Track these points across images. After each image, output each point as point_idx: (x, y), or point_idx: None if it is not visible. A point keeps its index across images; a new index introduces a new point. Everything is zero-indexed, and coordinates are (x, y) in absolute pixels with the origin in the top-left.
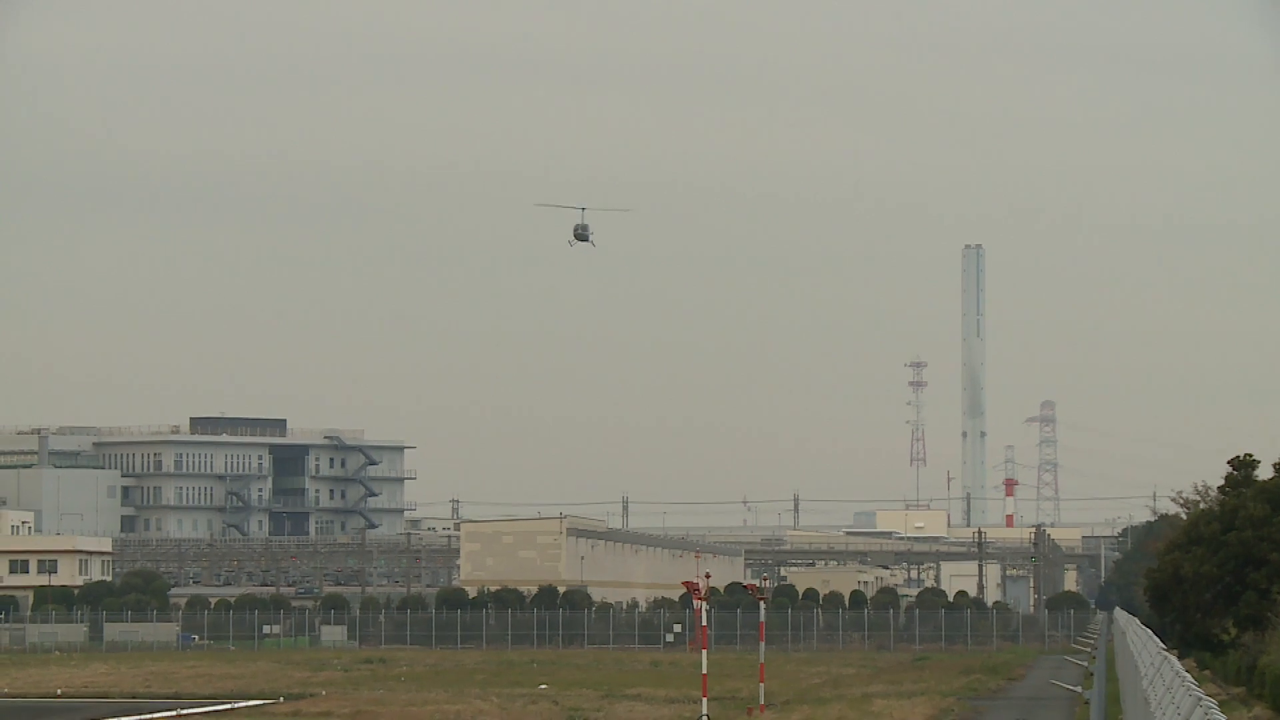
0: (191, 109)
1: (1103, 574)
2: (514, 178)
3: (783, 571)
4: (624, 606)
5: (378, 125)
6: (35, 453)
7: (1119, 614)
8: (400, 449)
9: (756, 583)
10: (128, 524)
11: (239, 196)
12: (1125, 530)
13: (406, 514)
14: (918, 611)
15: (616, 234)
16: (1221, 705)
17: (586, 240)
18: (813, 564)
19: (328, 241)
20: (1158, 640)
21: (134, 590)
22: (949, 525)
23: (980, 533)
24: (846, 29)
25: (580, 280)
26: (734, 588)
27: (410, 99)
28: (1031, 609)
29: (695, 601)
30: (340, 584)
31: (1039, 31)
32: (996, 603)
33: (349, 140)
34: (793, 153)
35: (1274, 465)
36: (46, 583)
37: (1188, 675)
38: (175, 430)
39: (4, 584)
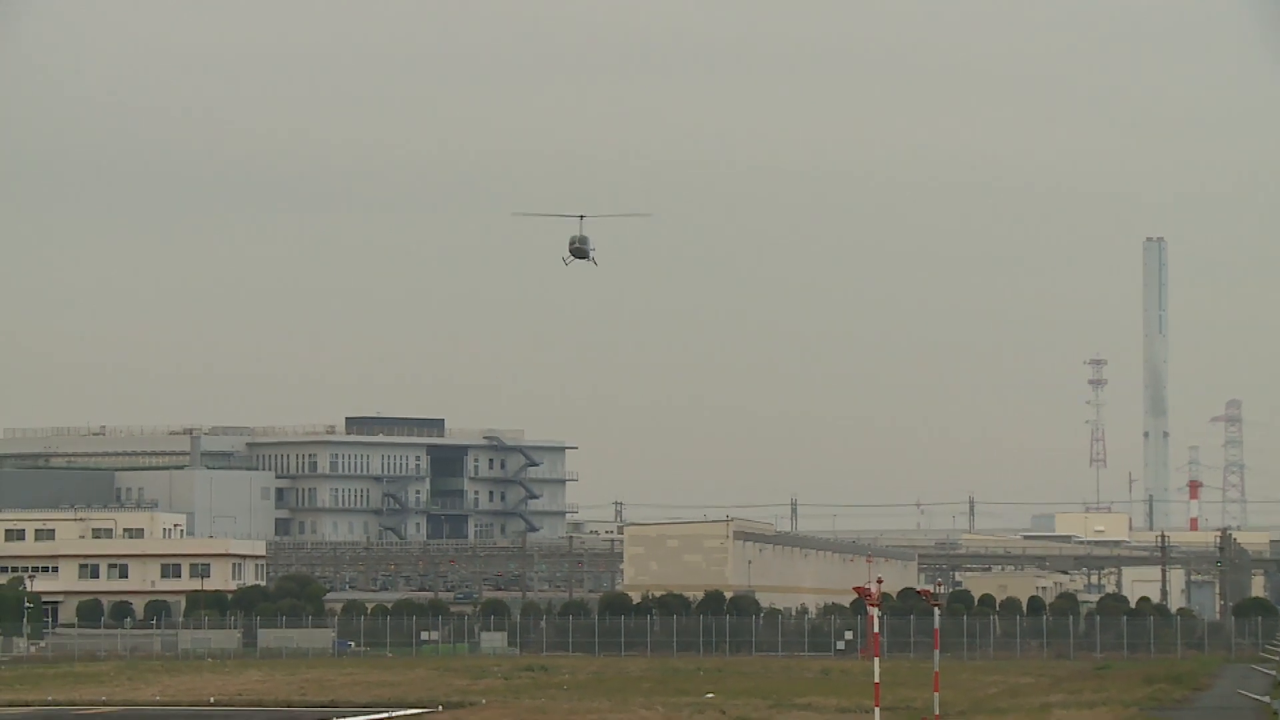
0: (358, 99)
1: None
2: (672, 166)
3: (957, 576)
4: (793, 612)
5: (526, 116)
6: (187, 453)
7: None
8: (561, 449)
9: (930, 588)
10: (282, 527)
11: (396, 194)
12: None
13: (568, 517)
14: (1098, 618)
15: (804, 223)
16: None
17: (586, 257)
18: (989, 569)
19: (485, 239)
20: None
21: (288, 595)
22: (1130, 529)
23: (1163, 536)
24: (1025, 16)
25: (750, 274)
26: (907, 593)
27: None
28: (1217, 616)
29: (868, 607)
30: (500, 589)
31: (1221, 20)
32: (1181, 609)
33: (506, 135)
34: (971, 143)
35: None
36: (199, 587)
37: None
38: (330, 430)
39: (156, 588)
